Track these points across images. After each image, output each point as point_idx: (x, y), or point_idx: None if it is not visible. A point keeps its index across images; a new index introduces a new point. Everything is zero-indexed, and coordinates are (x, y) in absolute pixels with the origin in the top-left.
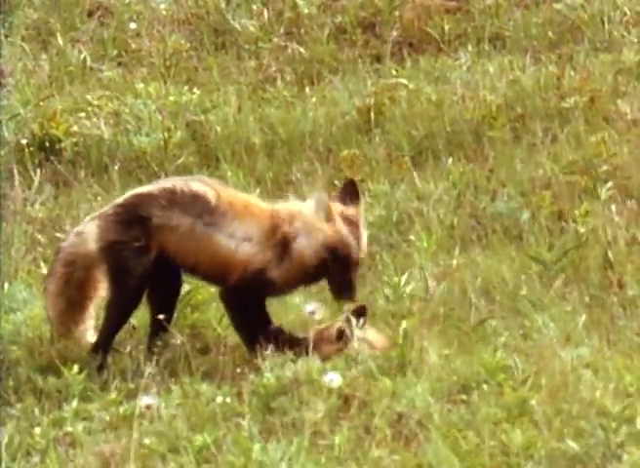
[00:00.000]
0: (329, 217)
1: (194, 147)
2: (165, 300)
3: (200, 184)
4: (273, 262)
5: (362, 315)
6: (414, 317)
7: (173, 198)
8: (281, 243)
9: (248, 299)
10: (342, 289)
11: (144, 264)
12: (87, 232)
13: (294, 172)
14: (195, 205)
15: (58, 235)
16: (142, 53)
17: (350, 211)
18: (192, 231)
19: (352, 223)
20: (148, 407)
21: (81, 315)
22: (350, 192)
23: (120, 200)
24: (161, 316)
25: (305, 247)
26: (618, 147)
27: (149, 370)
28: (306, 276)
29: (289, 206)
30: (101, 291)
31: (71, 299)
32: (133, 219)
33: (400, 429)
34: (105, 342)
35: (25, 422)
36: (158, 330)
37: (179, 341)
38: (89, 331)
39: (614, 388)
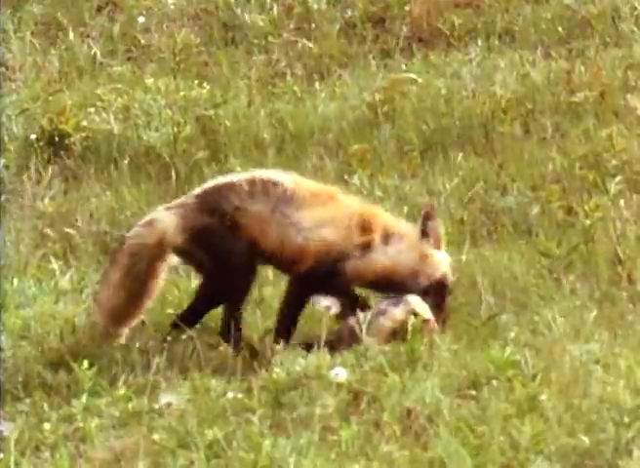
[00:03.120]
0: (437, 246)
1: (204, 142)
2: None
3: (278, 173)
4: (352, 255)
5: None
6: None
7: (252, 187)
8: (367, 244)
9: (315, 286)
10: (436, 316)
11: (239, 245)
12: (160, 222)
13: (303, 167)
14: (274, 192)
15: (67, 230)
16: (152, 48)
17: (439, 242)
18: (271, 218)
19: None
20: (169, 405)
21: (134, 311)
22: (430, 215)
23: (199, 190)
24: None
25: (397, 261)
26: (627, 142)
27: (159, 364)
28: (383, 283)
29: (388, 219)
30: (158, 288)
31: (131, 292)
32: (214, 208)
33: (409, 424)
34: (234, 326)
35: (35, 418)
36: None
37: (188, 336)
38: (125, 333)
39: (624, 383)
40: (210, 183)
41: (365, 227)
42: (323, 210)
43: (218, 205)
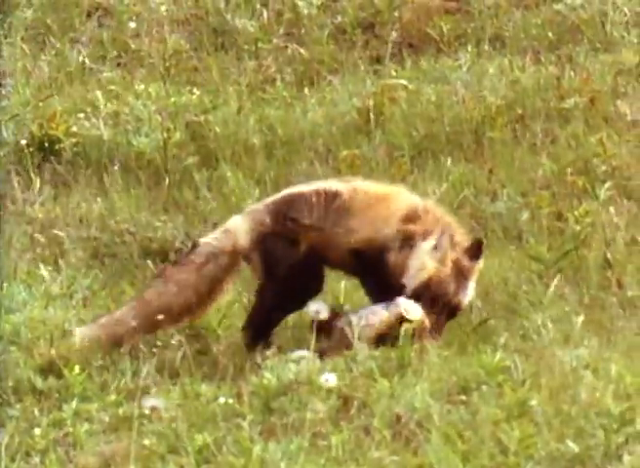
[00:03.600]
0: (442, 261)
1: (194, 148)
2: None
3: (339, 183)
4: (393, 246)
5: None
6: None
7: (318, 199)
8: (407, 236)
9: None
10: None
11: (294, 256)
12: (235, 228)
13: (293, 172)
14: (334, 203)
15: (57, 236)
16: (142, 53)
17: (466, 262)
18: (332, 229)
19: (462, 274)
20: (154, 409)
21: (195, 312)
22: (475, 250)
23: (272, 198)
24: None
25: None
26: (617, 148)
27: (149, 369)
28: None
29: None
30: (222, 297)
31: (199, 294)
32: (284, 217)
33: (400, 430)
34: (260, 333)
35: (25, 423)
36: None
37: (178, 342)
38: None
39: (614, 389)
40: (283, 191)
41: (410, 219)
42: (372, 211)
43: (285, 213)
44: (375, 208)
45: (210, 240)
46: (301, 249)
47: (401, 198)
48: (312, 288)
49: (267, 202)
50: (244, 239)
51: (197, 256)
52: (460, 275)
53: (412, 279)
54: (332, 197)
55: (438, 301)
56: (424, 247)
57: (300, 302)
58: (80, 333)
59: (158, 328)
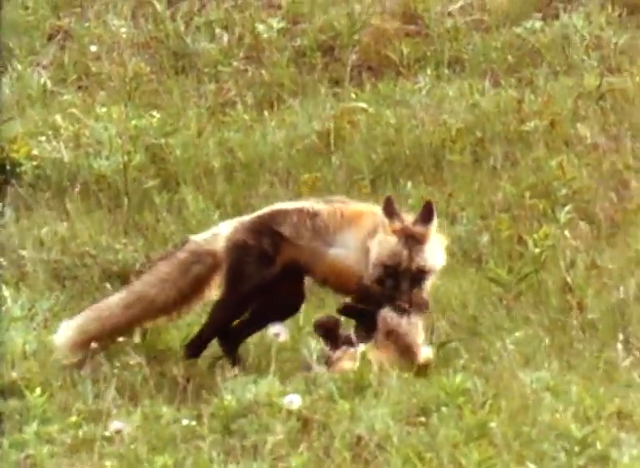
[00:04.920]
0: (386, 233)
1: (154, 171)
2: (275, 312)
3: (322, 203)
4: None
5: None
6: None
7: (300, 217)
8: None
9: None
10: (396, 297)
11: (263, 275)
12: (221, 233)
13: (254, 195)
14: (315, 223)
15: (19, 255)
16: (103, 76)
17: (417, 228)
18: (314, 249)
19: (414, 239)
20: (118, 431)
21: (174, 311)
22: (424, 213)
23: (260, 211)
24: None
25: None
26: (577, 171)
27: (110, 391)
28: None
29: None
30: (206, 298)
31: (180, 291)
32: (266, 230)
33: (360, 452)
34: (203, 341)
35: None
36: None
37: (138, 363)
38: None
39: (574, 411)
40: (271, 206)
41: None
42: (349, 231)
43: (269, 228)
44: (350, 230)
45: (198, 239)
46: (274, 270)
47: (369, 214)
48: (277, 306)
49: (256, 214)
50: (220, 245)
51: (182, 252)
52: (412, 240)
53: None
54: (313, 215)
55: (397, 272)
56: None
57: (255, 321)
58: (65, 328)
59: (140, 321)
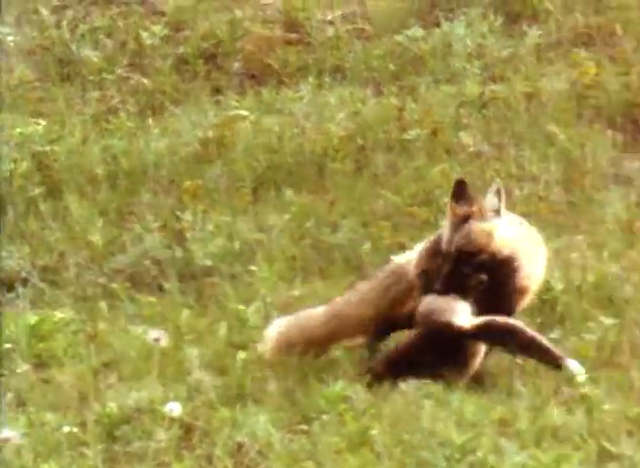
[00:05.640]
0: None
1: (39, 178)
2: None
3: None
4: None
5: None
6: (253, 347)
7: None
8: None
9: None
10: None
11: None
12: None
13: (137, 202)
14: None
15: None
16: None
17: (457, 210)
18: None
19: (458, 221)
20: (7, 440)
21: (365, 332)
22: (456, 194)
23: (437, 231)
24: None
25: None
26: None
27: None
28: None
29: None
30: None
31: (378, 310)
32: (438, 253)
33: (241, 459)
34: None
35: None
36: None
37: (24, 371)
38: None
39: (455, 419)
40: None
41: None
42: None
43: (439, 250)
44: None
45: (399, 258)
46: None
47: None
48: None
49: (434, 235)
50: (412, 271)
51: (382, 272)
52: (457, 223)
53: None
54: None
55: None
56: None
57: None
58: (278, 324)
59: (337, 336)
